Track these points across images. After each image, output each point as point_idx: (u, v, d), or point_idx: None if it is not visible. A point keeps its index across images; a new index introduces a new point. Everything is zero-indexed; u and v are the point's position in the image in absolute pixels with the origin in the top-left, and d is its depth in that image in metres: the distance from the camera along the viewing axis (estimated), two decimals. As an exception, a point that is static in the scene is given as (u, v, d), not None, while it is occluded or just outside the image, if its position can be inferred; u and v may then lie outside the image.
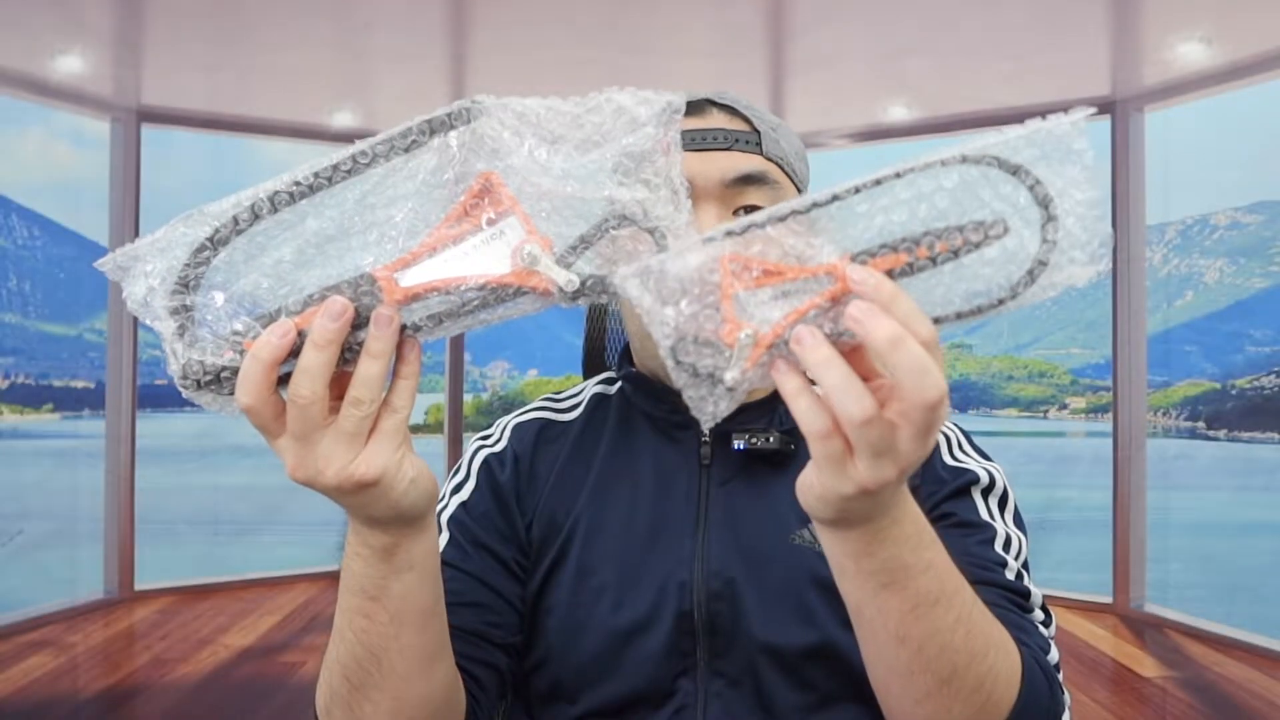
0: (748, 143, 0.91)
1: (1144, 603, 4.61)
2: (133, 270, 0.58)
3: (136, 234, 4.90)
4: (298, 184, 0.57)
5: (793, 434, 0.92)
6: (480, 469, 0.99)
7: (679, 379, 0.56)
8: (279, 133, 5.44)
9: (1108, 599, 4.66)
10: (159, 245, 0.57)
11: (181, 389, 0.58)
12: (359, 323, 0.57)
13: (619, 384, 1.03)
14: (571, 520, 0.94)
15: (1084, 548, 5.85)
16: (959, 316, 0.56)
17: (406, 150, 0.58)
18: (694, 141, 0.90)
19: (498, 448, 1.00)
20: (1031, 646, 0.79)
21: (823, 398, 0.55)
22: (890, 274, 0.55)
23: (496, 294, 0.57)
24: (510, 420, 1.03)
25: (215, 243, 0.57)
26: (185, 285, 0.57)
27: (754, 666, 0.87)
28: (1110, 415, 4.84)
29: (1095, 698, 3.48)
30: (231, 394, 0.58)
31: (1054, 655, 0.83)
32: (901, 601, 0.65)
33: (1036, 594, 0.87)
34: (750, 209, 0.89)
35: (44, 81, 4.57)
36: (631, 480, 0.95)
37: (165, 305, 0.57)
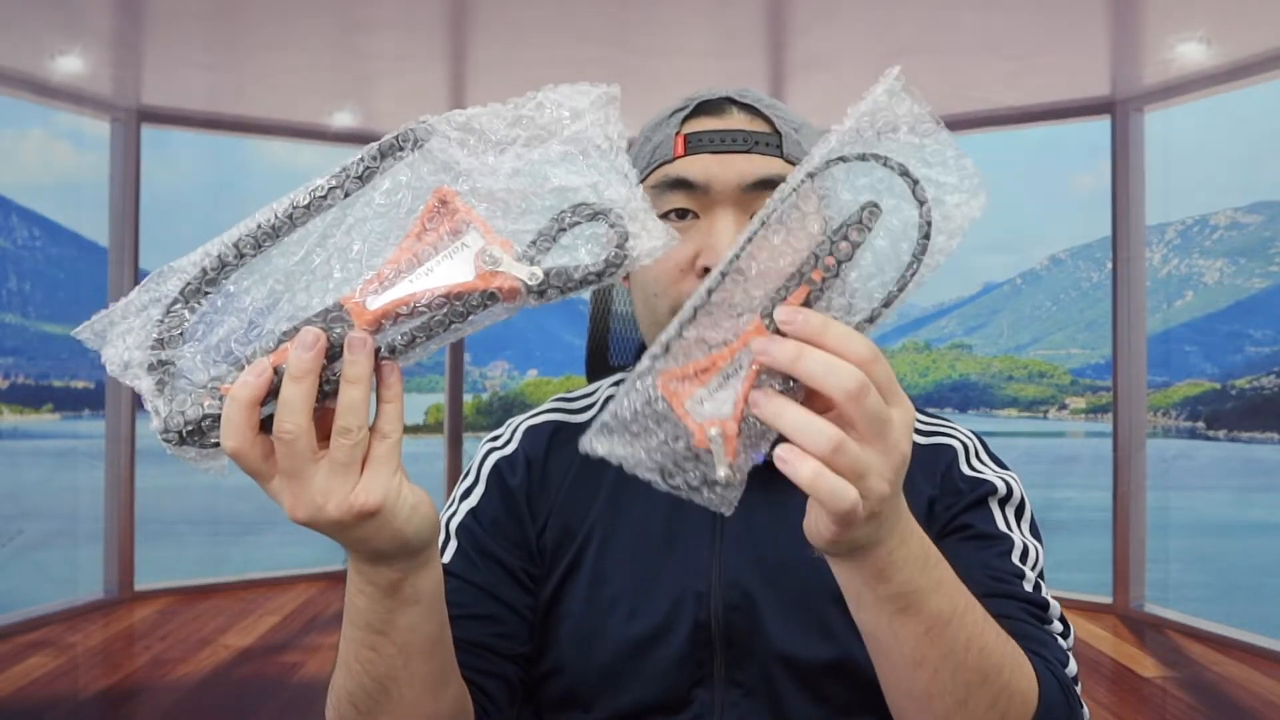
0: (768, 145, 0.87)
1: (1144, 603, 4.61)
2: (109, 335, 0.58)
3: (137, 234, 4.91)
4: (259, 227, 0.58)
5: None
6: (490, 473, 0.97)
7: (685, 497, 0.58)
8: (279, 133, 5.44)
9: (1108, 599, 4.66)
10: (133, 307, 0.58)
11: (165, 445, 0.57)
12: (335, 354, 0.57)
13: None
14: (586, 528, 0.92)
15: (1084, 548, 5.84)
16: (886, 304, 0.58)
17: (361, 178, 0.59)
18: (712, 143, 0.87)
19: (508, 450, 0.98)
20: (1049, 659, 0.78)
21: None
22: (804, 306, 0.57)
23: (464, 302, 0.57)
24: (522, 422, 1.01)
25: (186, 296, 0.57)
26: (161, 342, 0.57)
27: (771, 678, 0.86)
28: (1110, 415, 4.84)
29: (1095, 698, 3.48)
30: (216, 445, 0.57)
31: (1072, 668, 0.82)
32: (917, 625, 0.65)
33: (1055, 605, 0.86)
34: None
35: (44, 82, 4.57)
36: (647, 485, 0.94)
37: (142, 364, 0.57)
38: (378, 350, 0.58)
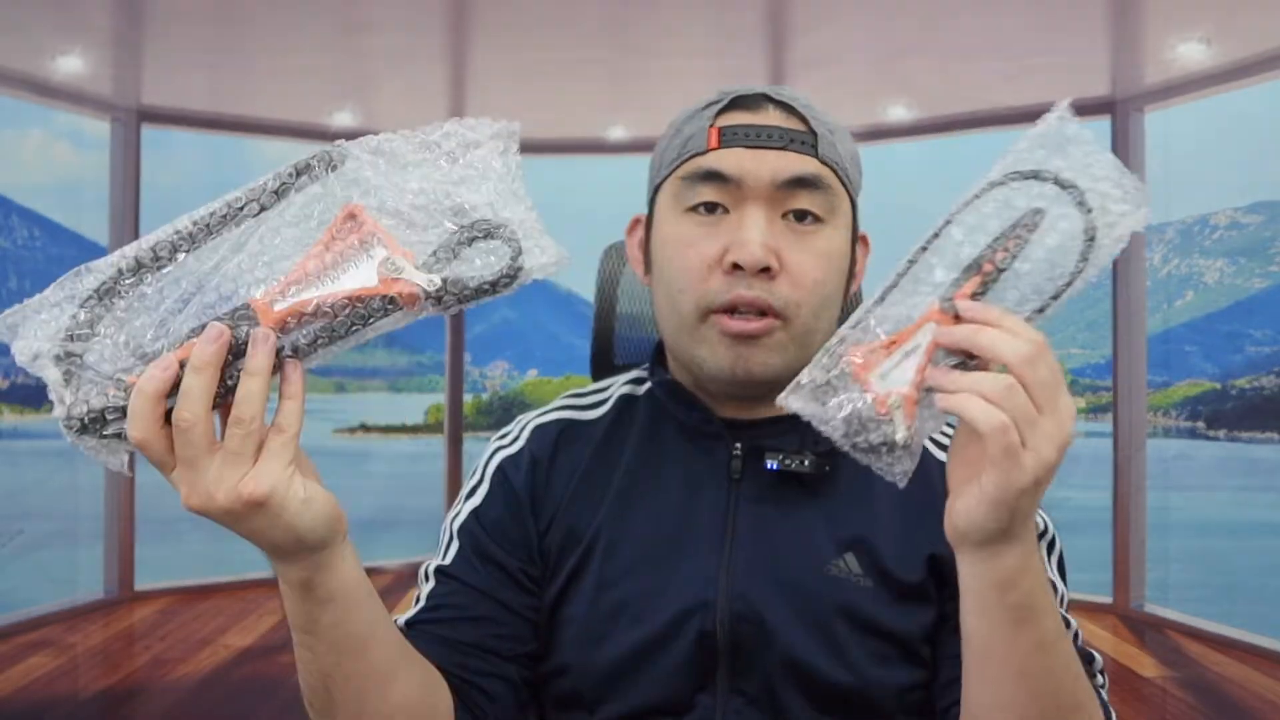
0: (803, 143, 0.87)
1: (1144, 603, 4.61)
2: (22, 328, 0.60)
3: (136, 234, 4.90)
4: (178, 233, 0.61)
5: (827, 456, 0.89)
6: (495, 473, 0.97)
7: (862, 460, 0.67)
8: (279, 133, 5.44)
9: (1108, 599, 4.66)
10: (48, 302, 0.60)
11: (66, 432, 0.60)
12: (240, 351, 0.60)
13: (647, 384, 0.99)
14: (592, 532, 0.91)
15: (1084, 548, 5.83)
16: (1055, 298, 0.66)
17: (277, 194, 0.62)
18: (747, 137, 0.86)
19: (514, 449, 0.98)
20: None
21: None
22: (976, 296, 0.66)
23: (366, 305, 0.61)
24: (530, 420, 1.00)
25: (100, 294, 0.60)
26: (71, 337, 0.60)
27: (774, 687, 0.87)
28: (1110, 415, 4.84)
29: (1095, 698, 3.48)
30: (117, 436, 0.60)
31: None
32: (1030, 638, 0.68)
33: (1098, 658, 0.86)
34: (800, 214, 0.86)
35: (44, 81, 4.56)
36: (657, 488, 0.93)
37: (50, 354, 0.59)
38: (281, 349, 0.61)
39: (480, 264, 0.63)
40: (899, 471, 0.66)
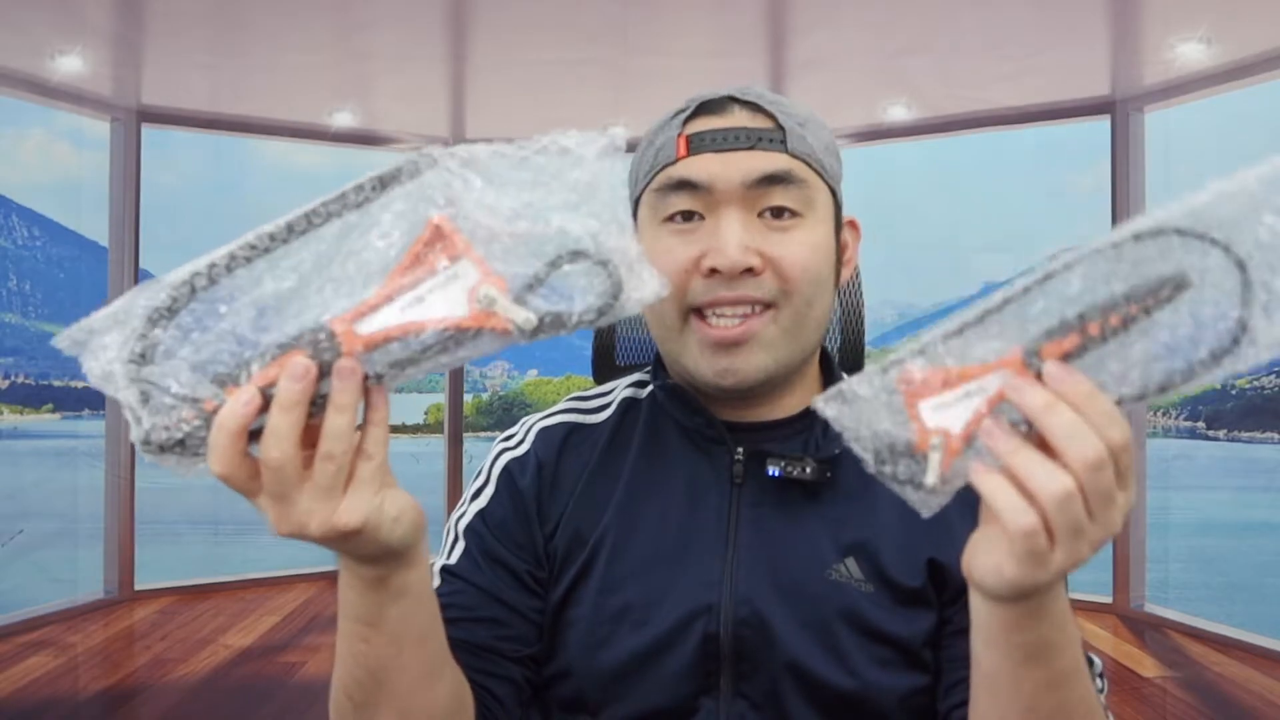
0: (771, 140, 0.87)
1: (1144, 603, 4.61)
2: (90, 344, 0.57)
3: (137, 234, 4.91)
4: (252, 246, 0.58)
5: (828, 463, 0.89)
6: (501, 474, 0.97)
7: (890, 486, 0.59)
8: (279, 133, 5.44)
9: (1108, 599, 4.66)
10: (117, 317, 0.58)
11: (144, 454, 0.58)
12: (323, 373, 0.58)
13: (649, 387, 0.99)
14: (598, 535, 0.91)
15: (1084, 548, 5.83)
16: (1161, 391, 0.55)
17: (359, 206, 0.59)
18: (714, 142, 0.86)
19: (520, 451, 0.98)
20: None
21: (1023, 489, 0.56)
22: (1067, 357, 0.55)
23: (455, 337, 0.58)
24: (536, 423, 1.00)
25: (172, 310, 0.57)
26: (144, 355, 0.57)
27: (778, 691, 0.87)
28: (1110, 415, 4.83)
29: (1095, 698, 3.47)
30: (196, 455, 0.58)
31: None
32: (1040, 676, 0.65)
33: (1098, 662, 0.85)
34: (776, 210, 0.86)
35: (44, 81, 4.56)
36: (661, 492, 0.93)
37: (125, 375, 0.57)
38: (365, 376, 0.58)
39: (576, 295, 0.59)
40: (927, 507, 0.59)
